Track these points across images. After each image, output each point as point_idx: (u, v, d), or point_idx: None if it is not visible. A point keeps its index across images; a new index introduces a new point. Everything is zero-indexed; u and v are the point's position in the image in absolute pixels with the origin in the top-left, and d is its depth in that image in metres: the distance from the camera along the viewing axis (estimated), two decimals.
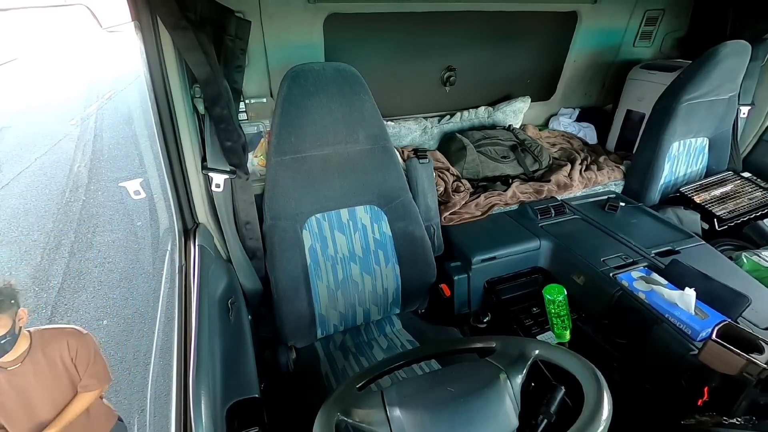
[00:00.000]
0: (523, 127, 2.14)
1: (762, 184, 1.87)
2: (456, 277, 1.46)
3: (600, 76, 2.26)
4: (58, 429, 1.19)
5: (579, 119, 2.27)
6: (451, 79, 1.87)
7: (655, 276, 1.28)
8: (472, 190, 1.73)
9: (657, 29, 2.13)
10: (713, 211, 1.74)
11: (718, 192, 1.84)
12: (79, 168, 4.25)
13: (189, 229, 1.15)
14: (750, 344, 0.90)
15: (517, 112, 2.05)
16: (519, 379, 0.72)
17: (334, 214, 1.30)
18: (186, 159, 1.08)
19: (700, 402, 0.94)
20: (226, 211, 1.17)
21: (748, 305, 1.12)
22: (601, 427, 0.62)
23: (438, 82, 1.89)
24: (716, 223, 1.72)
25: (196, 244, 1.08)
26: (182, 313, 0.91)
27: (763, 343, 0.90)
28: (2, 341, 1.06)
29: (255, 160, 1.49)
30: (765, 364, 0.85)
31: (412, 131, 1.86)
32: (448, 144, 1.87)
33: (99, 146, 4.81)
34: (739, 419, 0.84)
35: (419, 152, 1.51)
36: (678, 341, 1.07)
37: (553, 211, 1.64)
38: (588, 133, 2.24)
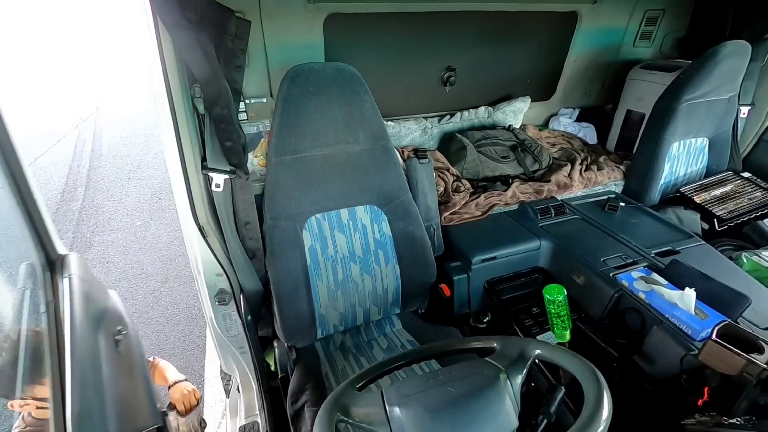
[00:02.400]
0: (523, 127, 2.14)
1: (762, 184, 1.86)
2: (456, 277, 1.46)
3: (600, 76, 2.26)
4: None
5: (579, 119, 2.27)
6: (451, 79, 1.87)
7: (655, 276, 1.28)
8: (472, 190, 1.73)
9: (657, 29, 2.13)
10: (713, 211, 1.74)
11: (718, 192, 1.84)
12: (78, 168, 4.25)
13: (53, 261, 0.82)
14: (750, 344, 0.90)
15: (517, 112, 2.05)
16: (519, 379, 0.72)
17: (334, 214, 1.30)
18: (186, 159, 1.08)
19: (700, 402, 0.94)
20: (225, 211, 1.17)
21: (748, 305, 1.12)
22: (601, 427, 0.62)
23: (438, 82, 1.89)
24: (716, 223, 1.71)
25: (67, 275, 0.79)
26: (56, 359, 0.67)
27: (763, 343, 0.89)
28: None
29: (255, 160, 1.49)
30: (765, 364, 0.85)
31: (412, 131, 1.85)
32: (448, 144, 1.87)
33: (99, 146, 4.82)
34: (739, 419, 0.84)
35: (419, 152, 1.51)
36: (678, 341, 1.07)
37: (553, 211, 1.64)
38: (588, 133, 2.24)
